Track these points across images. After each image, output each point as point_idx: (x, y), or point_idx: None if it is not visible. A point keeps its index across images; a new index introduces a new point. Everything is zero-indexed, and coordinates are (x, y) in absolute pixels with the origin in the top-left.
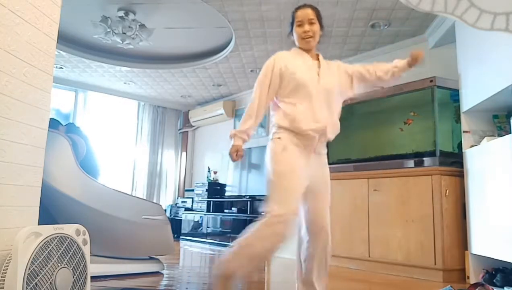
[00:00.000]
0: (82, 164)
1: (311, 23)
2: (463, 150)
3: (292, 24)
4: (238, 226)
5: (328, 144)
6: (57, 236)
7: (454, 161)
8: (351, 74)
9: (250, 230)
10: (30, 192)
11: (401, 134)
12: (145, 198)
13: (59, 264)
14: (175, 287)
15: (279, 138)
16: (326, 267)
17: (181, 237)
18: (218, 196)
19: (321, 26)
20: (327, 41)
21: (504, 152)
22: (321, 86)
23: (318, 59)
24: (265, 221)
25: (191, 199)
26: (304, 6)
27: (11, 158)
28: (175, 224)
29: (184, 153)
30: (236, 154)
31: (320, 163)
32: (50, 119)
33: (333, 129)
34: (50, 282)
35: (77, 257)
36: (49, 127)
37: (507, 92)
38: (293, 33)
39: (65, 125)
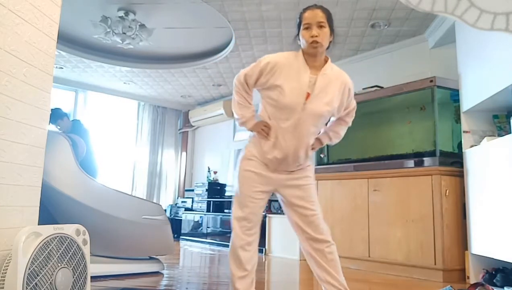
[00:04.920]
0: (81, 163)
1: (320, 26)
2: (463, 150)
3: (299, 26)
4: None
5: (328, 146)
6: (57, 236)
7: (454, 161)
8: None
9: None
10: (30, 192)
11: (401, 134)
12: (145, 198)
13: (59, 264)
14: (175, 287)
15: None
16: (329, 267)
17: (181, 237)
18: (218, 196)
19: (332, 31)
20: None
21: (504, 152)
22: (306, 111)
23: (320, 70)
24: None
25: (191, 199)
26: (314, 6)
27: (11, 158)
28: (175, 224)
29: (184, 153)
30: (263, 129)
31: (291, 178)
32: (56, 109)
33: (296, 157)
34: (50, 282)
35: (77, 257)
36: (55, 117)
37: (507, 92)
38: (299, 37)
39: (72, 121)
